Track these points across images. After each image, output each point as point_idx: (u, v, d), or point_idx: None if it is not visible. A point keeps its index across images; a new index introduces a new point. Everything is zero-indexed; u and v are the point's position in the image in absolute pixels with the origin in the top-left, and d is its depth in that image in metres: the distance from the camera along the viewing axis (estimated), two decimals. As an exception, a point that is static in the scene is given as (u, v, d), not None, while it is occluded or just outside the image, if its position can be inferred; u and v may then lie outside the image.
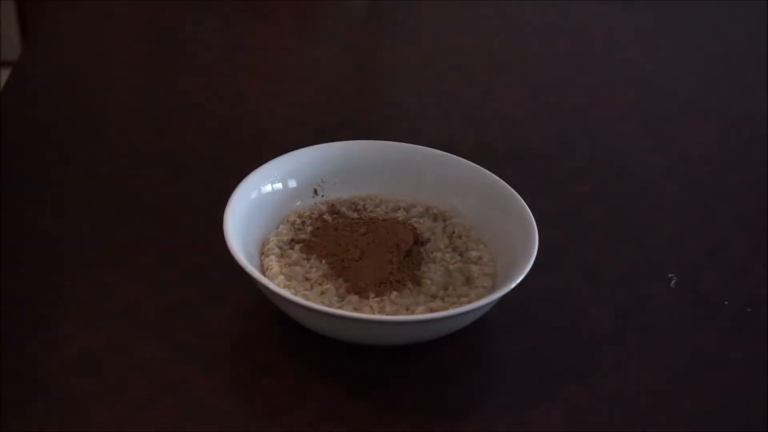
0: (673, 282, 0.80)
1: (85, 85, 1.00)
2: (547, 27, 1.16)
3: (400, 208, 0.80)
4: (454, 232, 0.78)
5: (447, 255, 0.76)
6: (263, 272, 0.73)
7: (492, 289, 0.74)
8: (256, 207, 0.76)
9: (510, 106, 1.01)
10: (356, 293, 0.72)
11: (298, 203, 0.80)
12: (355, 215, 0.79)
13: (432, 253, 0.76)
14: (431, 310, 0.71)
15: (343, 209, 0.79)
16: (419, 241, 0.77)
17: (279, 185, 0.79)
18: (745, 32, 1.18)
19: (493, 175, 0.79)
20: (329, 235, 0.76)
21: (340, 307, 0.71)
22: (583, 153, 0.95)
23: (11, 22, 2.04)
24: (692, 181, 0.92)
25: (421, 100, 1.01)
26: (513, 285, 0.70)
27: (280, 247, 0.76)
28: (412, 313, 0.71)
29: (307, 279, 0.73)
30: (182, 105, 0.98)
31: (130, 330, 0.72)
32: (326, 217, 0.78)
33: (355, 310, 0.71)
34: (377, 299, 0.72)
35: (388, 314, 0.71)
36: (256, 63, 1.08)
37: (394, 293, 0.72)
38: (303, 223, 0.78)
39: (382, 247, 0.75)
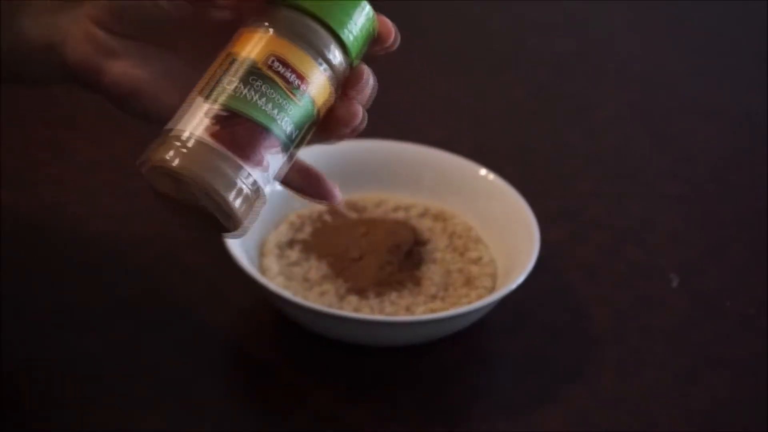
0: (674, 282, 0.79)
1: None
2: (547, 26, 1.16)
3: (400, 208, 0.80)
4: (454, 232, 0.78)
5: (447, 255, 0.76)
6: (262, 273, 0.73)
7: (492, 289, 0.74)
8: (255, 207, 0.76)
9: (510, 105, 1.01)
10: (356, 294, 0.72)
11: (298, 203, 0.79)
12: (355, 215, 0.79)
13: (432, 253, 0.76)
14: (431, 311, 0.71)
15: (343, 209, 0.79)
16: (419, 242, 0.77)
17: (278, 185, 0.78)
18: (745, 32, 1.18)
19: (493, 174, 0.79)
20: (329, 236, 0.76)
21: (339, 308, 0.71)
22: (583, 152, 0.94)
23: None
24: (692, 181, 0.92)
25: (421, 100, 1.01)
26: (514, 286, 0.70)
27: (280, 248, 0.76)
28: (412, 313, 0.71)
29: (306, 279, 0.73)
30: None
31: (130, 330, 0.72)
32: (326, 217, 0.78)
33: (355, 310, 0.71)
34: (377, 300, 0.72)
35: (388, 315, 0.71)
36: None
37: (394, 294, 0.72)
38: (302, 223, 0.78)
39: (382, 248, 0.75)
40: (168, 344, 0.71)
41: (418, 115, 0.98)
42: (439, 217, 0.79)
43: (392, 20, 0.57)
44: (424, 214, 0.80)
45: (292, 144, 0.52)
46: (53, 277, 0.76)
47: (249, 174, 0.50)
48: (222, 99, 0.50)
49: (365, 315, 0.70)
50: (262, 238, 0.76)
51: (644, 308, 0.77)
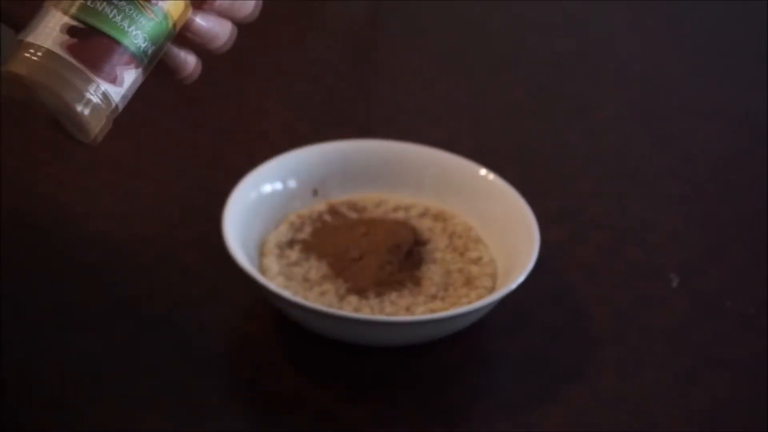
0: (674, 282, 0.79)
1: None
2: (547, 26, 1.16)
3: (400, 208, 0.80)
4: (454, 232, 0.78)
5: (447, 255, 0.76)
6: (262, 273, 0.73)
7: (492, 289, 0.74)
8: (255, 207, 0.76)
9: (510, 105, 1.01)
10: (356, 294, 0.72)
11: (298, 203, 0.79)
12: (355, 215, 0.79)
13: (432, 253, 0.76)
14: (431, 311, 0.71)
15: (343, 209, 0.79)
16: (419, 242, 0.77)
17: (278, 185, 0.79)
18: (745, 32, 1.18)
19: (493, 174, 0.79)
20: (329, 236, 0.76)
21: (339, 308, 0.71)
22: (583, 152, 0.94)
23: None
24: (692, 181, 0.92)
25: (421, 100, 1.01)
26: (514, 286, 0.70)
27: (280, 248, 0.76)
28: (412, 313, 0.71)
29: (306, 279, 0.73)
30: (182, 104, 0.98)
31: (130, 330, 0.72)
32: (326, 217, 0.78)
33: (355, 310, 0.71)
34: (377, 300, 0.72)
35: (388, 315, 0.71)
36: (256, 62, 1.08)
37: (394, 294, 0.72)
38: (302, 223, 0.78)
39: (382, 248, 0.75)
40: (168, 344, 0.71)
41: (418, 115, 0.98)
42: (439, 217, 0.79)
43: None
44: (424, 214, 0.80)
45: (146, 58, 0.52)
46: (53, 277, 0.76)
47: (99, 86, 0.51)
48: (74, 11, 0.51)
49: (365, 315, 0.70)
50: (262, 238, 0.76)
51: (644, 308, 0.77)
